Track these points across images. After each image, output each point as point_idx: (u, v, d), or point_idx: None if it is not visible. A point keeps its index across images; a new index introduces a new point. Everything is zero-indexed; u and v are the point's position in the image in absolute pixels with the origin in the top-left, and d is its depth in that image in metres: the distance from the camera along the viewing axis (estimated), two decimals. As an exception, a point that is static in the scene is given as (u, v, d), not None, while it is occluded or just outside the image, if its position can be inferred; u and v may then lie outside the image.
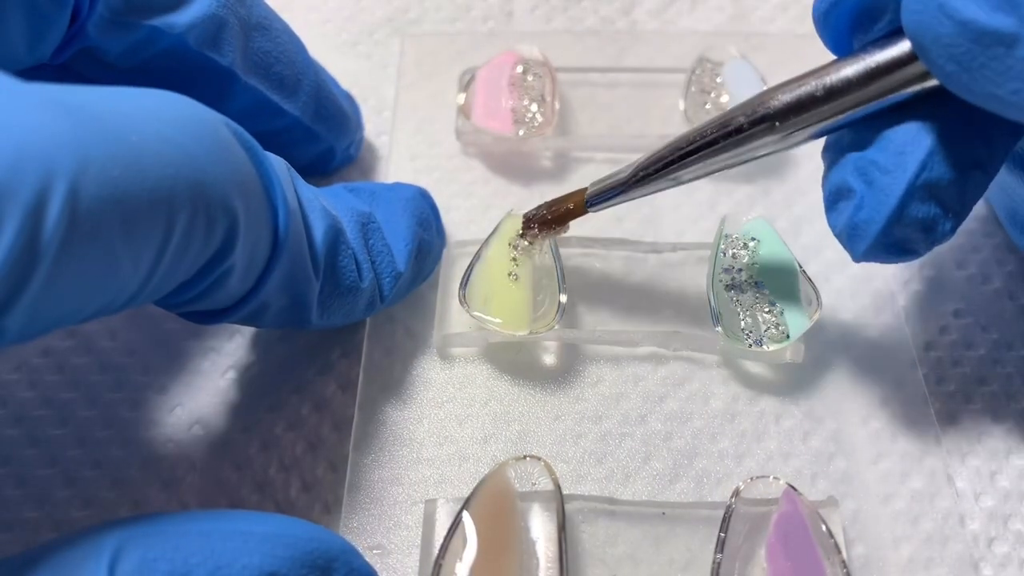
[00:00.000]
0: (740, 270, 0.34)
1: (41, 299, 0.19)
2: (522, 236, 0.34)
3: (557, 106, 0.40)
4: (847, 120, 0.28)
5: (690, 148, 0.30)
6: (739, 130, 0.29)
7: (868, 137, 0.28)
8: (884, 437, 0.33)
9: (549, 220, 0.34)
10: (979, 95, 0.25)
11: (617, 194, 0.32)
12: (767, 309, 0.33)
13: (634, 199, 0.32)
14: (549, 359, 0.35)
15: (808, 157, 0.39)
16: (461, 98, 0.40)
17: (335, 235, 0.29)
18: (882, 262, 0.29)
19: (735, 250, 0.34)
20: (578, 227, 0.37)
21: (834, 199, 0.29)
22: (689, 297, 0.36)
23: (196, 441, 0.33)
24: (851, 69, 0.28)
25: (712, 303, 0.33)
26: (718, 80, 0.41)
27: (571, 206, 0.33)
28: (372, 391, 0.34)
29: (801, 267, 0.34)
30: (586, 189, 0.33)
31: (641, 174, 0.31)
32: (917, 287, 0.37)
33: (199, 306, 0.26)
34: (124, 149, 0.20)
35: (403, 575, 0.30)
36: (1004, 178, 0.32)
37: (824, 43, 0.30)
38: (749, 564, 0.30)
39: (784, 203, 0.39)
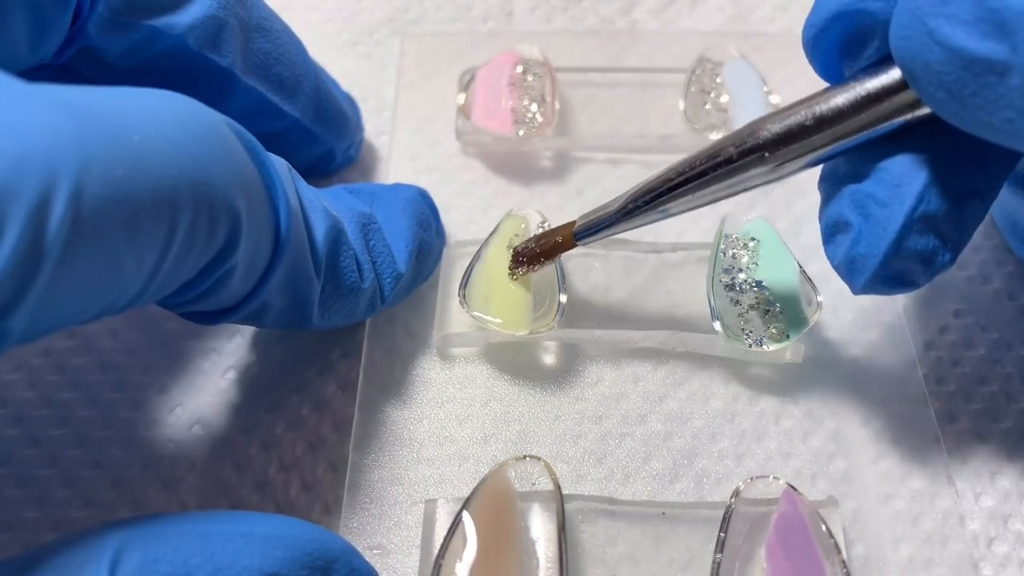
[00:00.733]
0: (740, 270, 0.34)
1: (45, 300, 0.19)
2: (511, 271, 0.34)
3: (557, 106, 0.40)
4: (839, 149, 0.28)
5: (680, 180, 0.29)
6: (729, 161, 0.28)
7: (864, 168, 0.28)
8: (884, 437, 0.33)
9: (537, 254, 0.33)
10: (971, 123, 0.24)
11: (606, 226, 0.32)
12: (767, 309, 0.33)
13: (623, 232, 0.32)
14: (549, 359, 0.35)
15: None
16: (461, 98, 0.40)
17: (336, 236, 0.29)
18: (882, 294, 0.29)
19: (735, 250, 0.34)
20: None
21: (831, 232, 0.29)
22: (689, 297, 0.36)
23: (196, 441, 0.33)
24: (841, 98, 0.27)
25: (712, 303, 0.33)
26: (718, 80, 0.41)
27: (560, 239, 0.33)
28: (372, 391, 0.34)
29: (801, 267, 0.34)
30: (575, 222, 0.33)
31: (630, 207, 0.31)
32: (917, 287, 0.37)
33: (201, 306, 0.26)
34: (127, 149, 0.20)
35: (403, 575, 0.30)
36: (1004, 196, 0.32)
37: (814, 70, 0.29)
38: (749, 564, 0.30)
39: (784, 203, 0.39)
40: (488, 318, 0.33)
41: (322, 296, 0.29)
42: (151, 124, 0.22)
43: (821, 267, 0.37)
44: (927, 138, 0.27)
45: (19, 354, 0.34)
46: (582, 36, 0.44)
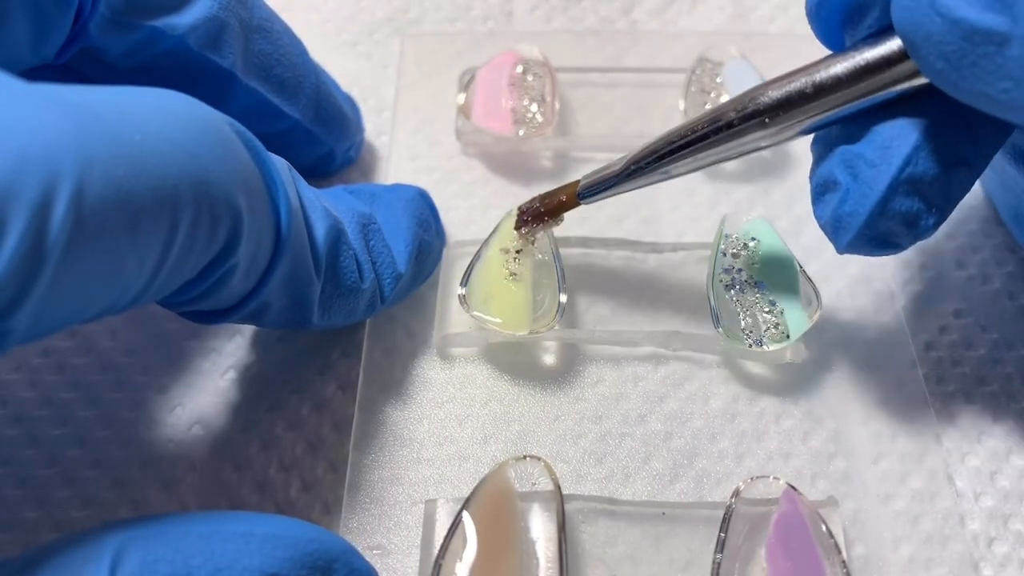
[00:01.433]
0: (740, 270, 0.34)
1: (47, 300, 0.19)
2: (516, 228, 0.34)
3: (557, 106, 0.40)
4: (837, 116, 0.28)
5: (682, 142, 0.30)
6: (730, 125, 0.29)
7: (856, 131, 0.28)
8: (884, 437, 0.33)
9: (542, 212, 0.34)
10: (968, 93, 0.25)
11: (609, 186, 0.32)
12: (767, 309, 0.33)
13: (626, 192, 0.32)
14: (549, 359, 0.35)
15: (808, 158, 0.39)
16: (461, 98, 0.40)
17: (336, 235, 0.29)
18: (865, 254, 0.29)
19: (735, 250, 0.34)
20: (578, 227, 0.37)
21: (821, 191, 0.29)
22: (689, 297, 0.36)
23: (196, 441, 0.33)
24: (841, 66, 0.28)
25: (712, 303, 0.33)
26: (718, 80, 0.41)
27: (563, 198, 0.34)
28: (372, 391, 0.34)
29: (801, 267, 0.34)
30: (579, 181, 0.33)
31: (633, 167, 0.31)
32: (917, 287, 0.37)
33: (202, 305, 0.26)
34: (128, 149, 0.20)
35: (403, 575, 0.30)
36: (1008, 176, 0.32)
37: (816, 36, 0.30)
38: (749, 564, 0.30)
39: (784, 203, 0.39)
40: (488, 318, 0.33)
41: (322, 296, 0.29)
42: (152, 123, 0.22)
43: (821, 267, 0.37)
44: (921, 106, 0.27)
45: (19, 354, 0.34)
46: (582, 36, 0.44)
